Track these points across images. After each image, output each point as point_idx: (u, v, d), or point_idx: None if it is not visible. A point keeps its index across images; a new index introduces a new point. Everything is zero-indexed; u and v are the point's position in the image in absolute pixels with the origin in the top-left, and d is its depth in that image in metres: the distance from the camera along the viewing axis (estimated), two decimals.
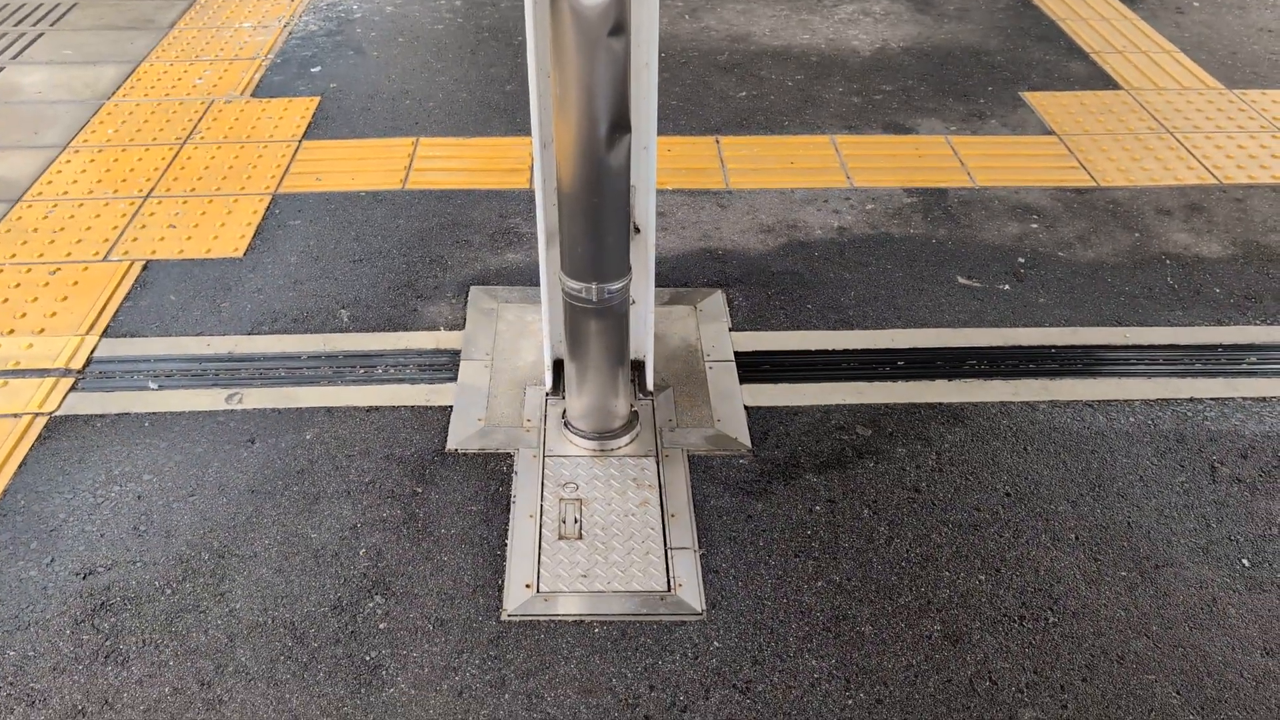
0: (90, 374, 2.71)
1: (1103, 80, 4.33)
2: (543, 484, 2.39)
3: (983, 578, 2.20)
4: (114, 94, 4.08)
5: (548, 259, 2.48)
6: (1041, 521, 2.33)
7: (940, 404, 2.66)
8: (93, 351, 2.79)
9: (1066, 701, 1.95)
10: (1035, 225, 3.38)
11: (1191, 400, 2.69)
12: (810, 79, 4.29)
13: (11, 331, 2.84)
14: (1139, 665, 2.02)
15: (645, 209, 2.47)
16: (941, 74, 4.36)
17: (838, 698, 1.96)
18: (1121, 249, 3.28)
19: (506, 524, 2.29)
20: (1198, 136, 3.90)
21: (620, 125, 2.10)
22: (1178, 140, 3.88)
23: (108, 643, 2.03)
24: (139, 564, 2.20)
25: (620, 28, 1.99)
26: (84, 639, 2.04)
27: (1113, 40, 4.67)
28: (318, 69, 4.29)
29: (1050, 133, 3.93)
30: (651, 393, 2.66)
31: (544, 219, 2.43)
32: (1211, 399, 2.69)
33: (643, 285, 2.57)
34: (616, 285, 2.28)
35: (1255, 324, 2.97)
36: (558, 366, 2.65)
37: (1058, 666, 2.01)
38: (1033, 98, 4.18)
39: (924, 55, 4.52)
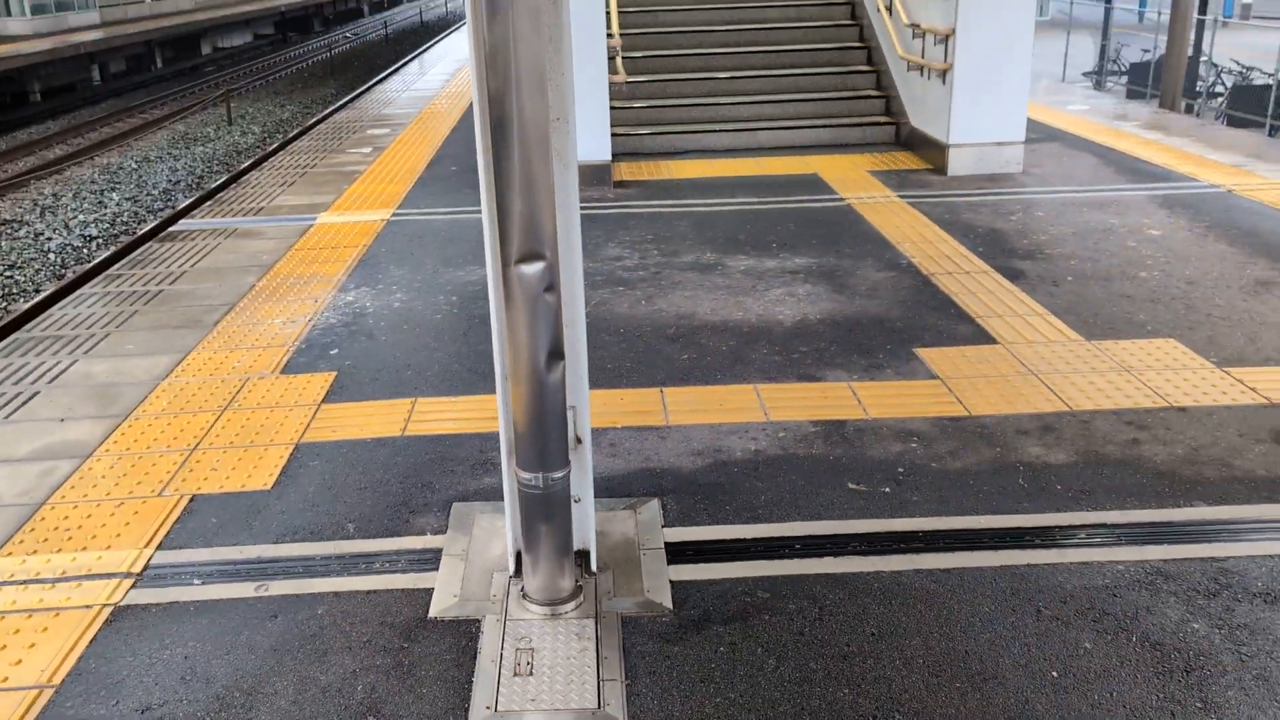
0: (147, 576, 3.40)
1: (984, 338, 5.24)
2: (503, 638, 3.03)
3: (847, 690, 2.80)
4: (167, 376, 4.98)
5: (509, 470, 3.24)
6: (897, 652, 2.95)
7: (825, 574, 3.32)
8: (149, 560, 3.48)
9: None
10: (915, 445, 4.15)
11: (1029, 565, 3.36)
12: (741, 345, 5.20)
13: (85, 548, 3.56)
14: None
15: (583, 425, 3.26)
16: (850, 338, 5.27)
17: None
18: (984, 460, 4.03)
19: (473, 667, 2.91)
20: (1056, 376, 4.75)
21: (556, 353, 2.93)
22: (1040, 380, 4.72)
23: None
24: (185, 701, 2.81)
25: (551, 287, 2.87)
26: None
27: (995, 308, 5.64)
28: (335, 351, 5.22)
29: (935, 378, 4.78)
30: (594, 572, 3.33)
31: (504, 434, 3.21)
32: (1045, 564, 3.36)
33: (584, 485, 3.31)
34: (558, 474, 3.03)
35: (1086, 510, 3.67)
36: (519, 556, 3.33)
37: None
38: (924, 353, 5.07)
39: (837, 324, 5.46)
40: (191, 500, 3.85)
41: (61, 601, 3.27)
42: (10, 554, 3.54)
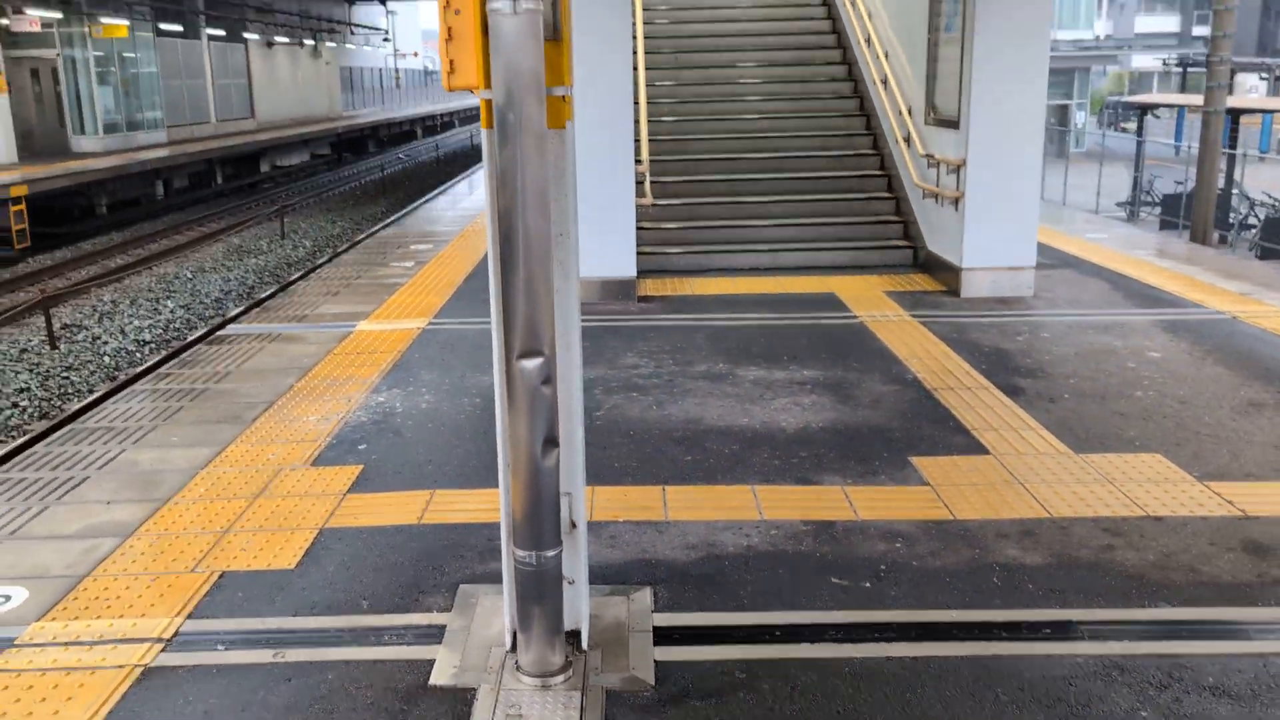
0: (176, 642, 3.70)
1: (976, 449, 5.50)
2: (495, 705, 3.29)
3: None
4: (207, 465, 5.36)
5: (507, 549, 3.53)
6: None
7: (800, 658, 3.56)
8: (179, 628, 3.79)
9: None
10: (899, 545, 4.40)
11: (994, 655, 3.57)
12: (743, 449, 5.49)
13: (121, 616, 3.87)
14: None
15: (578, 510, 3.57)
16: (849, 445, 5.55)
17: None
18: (962, 560, 4.26)
19: None
20: (1041, 485, 4.99)
21: (551, 441, 3.26)
22: (1025, 488, 4.96)
23: None
24: None
25: (548, 380, 3.21)
26: None
27: (991, 421, 5.90)
28: (364, 446, 5.58)
29: (926, 484, 5.03)
30: (584, 650, 3.59)
31: (504, 516, 3.52)
32: (1009, 655, 3.57)
33: (577, 568, 3.60)
34: (550, 553, 3.32)
35: (1054, 608, 3.88)
36: (515, 633, 3.60)
37: None
38: (918, 461, 5.33)
39: (837, 433, 5.74)
40: (221, 576, 4.17)
41: (98, 661, 3.58)
42: (54, 619, 3.87)
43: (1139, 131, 25.65)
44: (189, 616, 3.87)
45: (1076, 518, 4.64)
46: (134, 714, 3.29)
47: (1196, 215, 16.64)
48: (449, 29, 3.21)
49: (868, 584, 4.08)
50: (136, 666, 3.55)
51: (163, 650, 3.65)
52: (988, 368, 6.96)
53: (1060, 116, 36.15)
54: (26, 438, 7.03)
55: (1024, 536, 4.46)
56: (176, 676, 3.49)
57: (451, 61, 3.23)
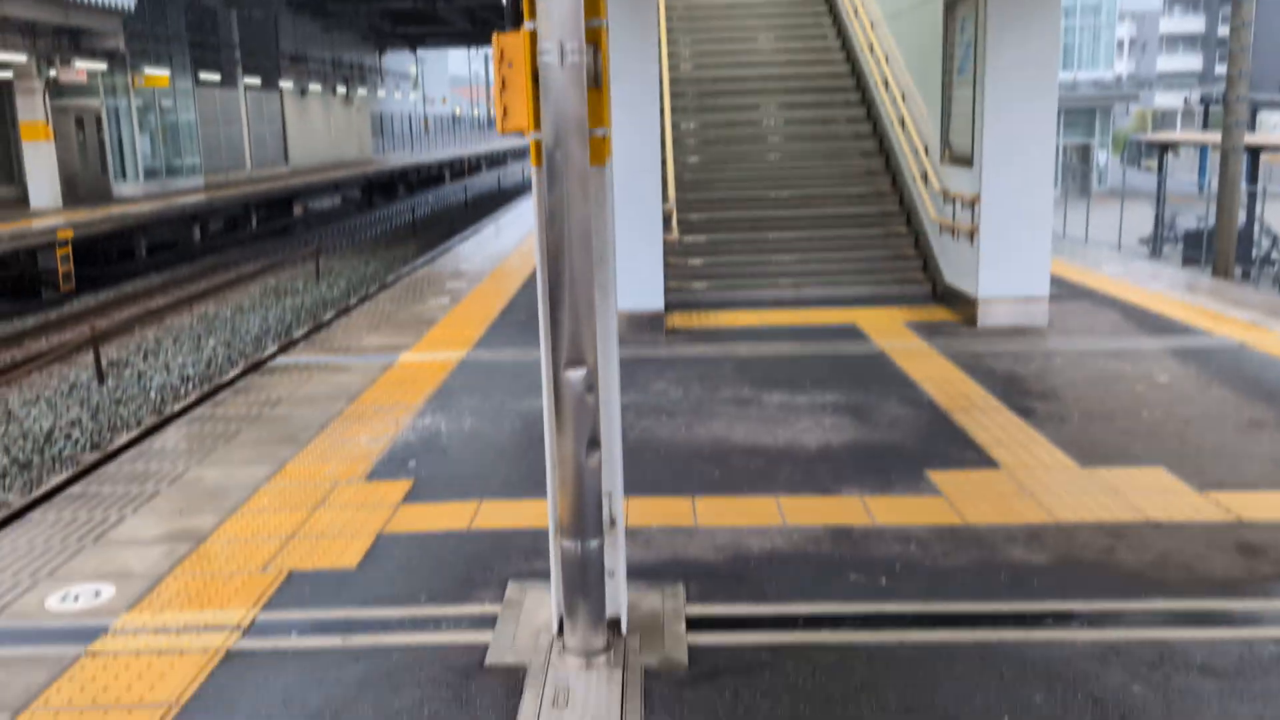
0: (253, 630, 4.09)
1: (988, 463, 5.83)
2: (545, 681, 3.64)
3: None
4: (268, 481, 5.76)
5: (554, 541, 3.90)
6: (875, 699, 3.50)
7: (821, 643, 3.90)
8: (254, 618, 4.18)
9: None
10: (913, 546, 4.73)
11: (999, 641, 3.89)
12: (768, 465, 5.85)
13: (202, 608, 4.26)
14: None
15: (617, 508, 3.94)
16: (867, 461, 5.90)
17: None
18: (972, 559, 4.59)
19: (519, 700, 3.53)
20: (1048, 495, 5.31)
21: (594, 443, 3.64)
22: (1033, 497, 5.29)
23: None
24: (286, 718, 3.45)
25: (591, 388, 3.60)
26: None
27: (1003, 439, 6.23)
28: (413, 463, 5.98)
29: (940, 494, 5.37)
30: (624, 635, 3.95)
31: (551, 512, 3.90)
32: (1013, 640, 3.89)
33: (617, 561, 3.96)
34: (594, 543, 3.69)
35: (1056, 600, 4.21)
36: (561, 619, 3.96)
37: None
38: (932, 474, 5.67)
39: (857, 450, 6.09)
40: (290, 575, 4.56)
41: (184, 646, 3.97)
42: (142, 611, 4.26)
43: (1160, 169, 25.95)
44: (263, 608, 4.25)
45: (1081, 523, 4.96)
46: (221, 689, 3.66)
47: (1219, 251, 16.90)
48: (503, 79, 3.65)
49: (883, 580, 4.42)
50: (219, 650, 3.93)
51: (241, 637, 4.03)
52: (1001, 391, 7.29)
53: (1082, 155, 36.48)
54: (101, 455, 7.47)
55: (1030, 539, 4.79)
56: (256, 659, 3.87)
57: (505, 107, 3.66)
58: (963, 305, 9.85)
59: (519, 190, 42.06)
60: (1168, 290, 11.00)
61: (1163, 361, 8.01)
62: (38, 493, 7.99)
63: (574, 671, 3.71)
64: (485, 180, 49.82)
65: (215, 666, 3.82)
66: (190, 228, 23.88)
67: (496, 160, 55.44)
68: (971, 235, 9.52)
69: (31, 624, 4.19)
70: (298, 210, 30.55)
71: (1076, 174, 32.92)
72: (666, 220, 9.71)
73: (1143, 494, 5.30)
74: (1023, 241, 9.31)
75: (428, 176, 44.37)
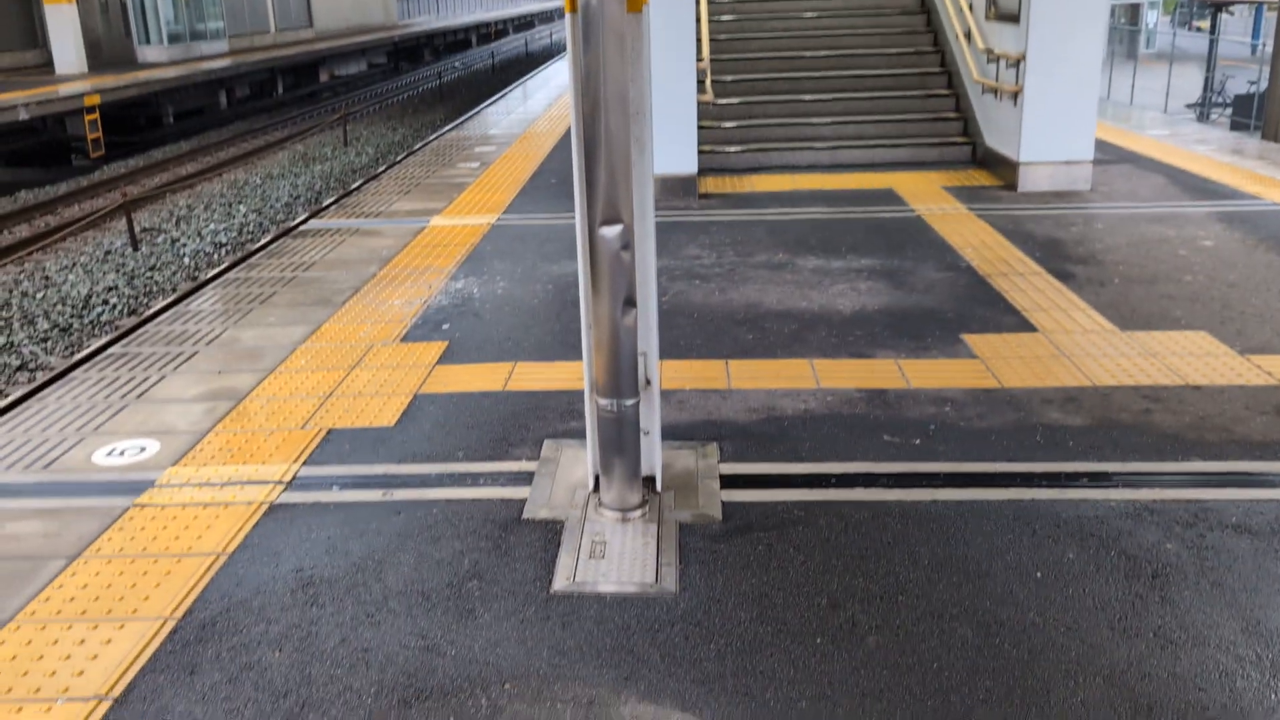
0: (295, 484, 4.17)
1: (1026, 327, 5.77)
2: (582, 533, 3.71)
3: (860, 579, 3.40)
4: (304, 341, 5.80)
5: (590, 401, 3.92)
6: (907, 554, 3.54)
7: (854, 500, 3.93)
8: (296, 473, 4.25)
9: (893, 613, 3.11)
10: (948, 409, 4.72)
11: (1032, 500, 3.91)
12: (801, 328, 5.82)
13: (245, 463, 4.34)
14: (945, 614, 3.18)
15: (652, 368, 3.94)
16: (902, 325, 5.85)
17: (750, 625, 3.16)
18: (1008, 422, 4.58)
19: (557, 552, 3.60)
20: (1086, 359, 5.26)
21: (630, 302, 3.61)
22: (1071, 361, 5.24)
23: (310, 597, 3.36)
24: (330, 567, 3.55)
25: (627, 246, 3.55)
26: (297, 598, 3.37)
27: (1041, 303, 6.15)
28: (447, 326, 5.99)
29: (976, 357, 5.33)
30: (659, 492, 3.99)
31: (587, 372, 3.90)
32: (1046, 499, 3.91)
33: (652, 420, 3.98)
34: (630, 402, 3.70)
35: (1092, 461, 4.20)
36: (597, 476, 4.00)
37: (883, 601, 3.18)
38: (969, 338, 5.62)
39: (891, 314, 6.04)
40: (329, 433, 4.62)
41: (229, 498, 4.06)
42: (186, 465, 4.35)
43: (1212, 30, 24.93)
44: (304, 464, 4.33)
45: (1118, 386, 4.92)
46: (266, 540, 3.76)
47: (1269, 113, 16.34)
48: None
49: (918, 441, 4.42)
50: (263, 504, 4.02)
51: (284, 490, 4.11)
52: (1041, 256, 7.16)
53: (1131, 16, 35.06)
54: (141, 318, 7.53)
55: (1067, 402, 4.76)
56: (299, 511, 3.95)
57: None
58: (1003, 169, 9.62)
59: (546, 54, 41.12)
60: (1215, 154, 10.67)
61: (1207, 226, 7.83)
62: (80, 355, 8.12)
63: (610, 525, 3.77)
64: (512, 44, 48.71)
65: (259, 519, 3.91)
66: (216, 93, 23.60)
67: (524, 24, 54.08)
68: (1015, 96, 9.23)
69: (80, 477, 4.29)
70: (324, 76, 30.06)
71: (1124, 35, 31.71)
72: (700, 81, 9.46)
73: (1182, 358, 5.24)
74: (1069, 102, 9.02)
75: (454, 41, 43.40)
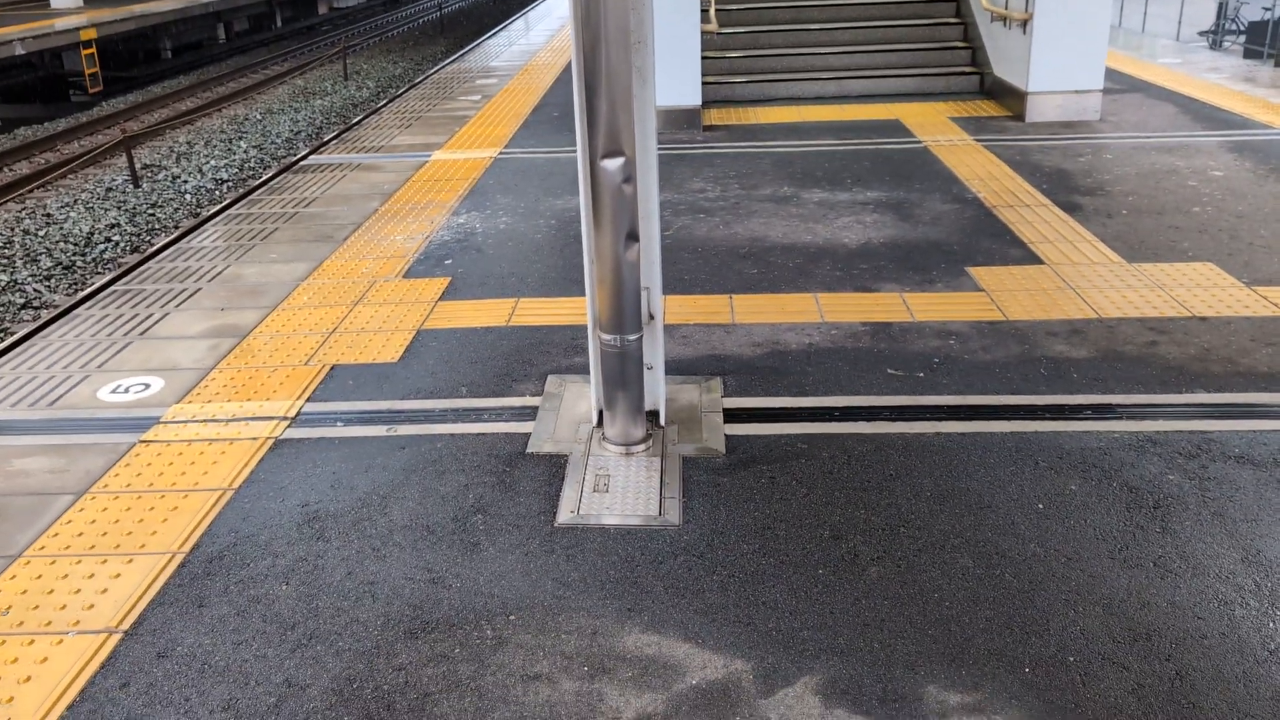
0: (300, 420, 4.18)
1: (1032, 259, 5.73)
2: (585, 467, 3.72)
3: (862, 510, 3.42)
4: (307, 278, 5.79)
5: (593, 336, 3.91)
6: (909, 487, 3.55)
7: (857, 433, 3.93)
8: (300, 409, 4.27)
9: (895, 545, 3.13)
10: (952, 341, 4.71)
11: (1035, 432, 3.91)
12: (806, 262, 5.78)
13: (249, 400, 4.35)
14: (946, 545, 3.20)
15: (655, 303, 3.92)
16: (908, 258, 5.81)
17: (752, 557, 3.18)
18: (1012, 355, 4.57)
19: (561, 485, 3.61)
20: (1092, 291, 5.23)
21: (632, 236, 3.58)
22: (1076, 293, 5.21)
23: (317, 531, 3.38)
24: (335, 501, 3.57)
25: (629, 179, 3.51)
26: (303, 532, 3.40)
27: (1048, 235, 6.10)
28: (449, 261, 5.97)
29: (981, 290, 5.30)
30: (662, 426, 4.00)
31: (590, 307, 3.88)
32: (1049, 431, 3.91)
33: (655, 355, 3.97)
34: (633, 337, 3.69)
35: (1096, 394, 4.20)
36: (600, 411, 4.01)
37: (885, 532, 3.20)
38: (974, 271, 5.58)
39: (897, 247, 6.00)
40: (332, 369, 4.63)
41: (234, 434, 4.08)
42: (191, 402, 4.37)
43: None
44: (308, 400, 4.34)
45: (1124, 318, 4.89)
46: (272, 473, 3.78)
47: None
48: None
49: (921, 374, 4.41)
50: (269, 439, 4.04)
51: (289, 426, 4.13)
52: (1048, 187, 7.09)
53: None
54: (144, 256, 7.50)
55: (1072, 334, 4.74)
56: (304, 446, 3.97)
57: None
58: (1011, 99, 9.48)
59: None
60: (1226, 82, 10.51)
61: (1217, 155, 7.73)
62: (83, 293, 8.11)
63: (613, 459, 3.78)
64: None
65: (265, 454, 3.93)
66: (214, 27, 23.29)
67: None
68: (1025, 24, 9.06)
69: (86, 414, 4.31)
70: (323, 9, 29.61)
71: None
72: (704, 11, 9.30)
73: (1189, 289, 5.21)
74: (1079, 29, 8.86)
75: None
